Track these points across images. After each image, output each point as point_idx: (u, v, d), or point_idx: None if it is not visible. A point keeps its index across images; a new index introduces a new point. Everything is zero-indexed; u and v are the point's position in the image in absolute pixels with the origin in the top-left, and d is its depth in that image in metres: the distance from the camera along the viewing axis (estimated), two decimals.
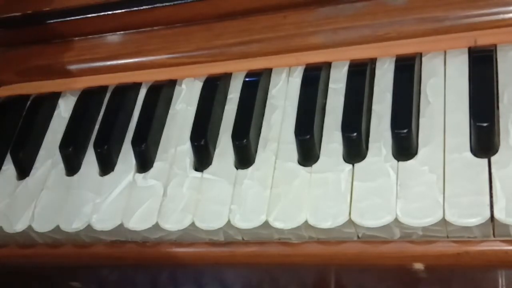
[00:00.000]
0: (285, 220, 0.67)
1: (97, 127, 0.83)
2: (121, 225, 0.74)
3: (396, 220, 0.63)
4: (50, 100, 0.89)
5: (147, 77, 0.85)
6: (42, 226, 0.77)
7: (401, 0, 0.74)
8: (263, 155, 0.73)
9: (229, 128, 0.75)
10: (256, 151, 0.73)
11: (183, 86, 0.83)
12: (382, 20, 0.74)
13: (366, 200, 0.65)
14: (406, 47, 0.74)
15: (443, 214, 0.61)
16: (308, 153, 0.70)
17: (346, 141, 0.68)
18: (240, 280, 0.84)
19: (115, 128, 0.81)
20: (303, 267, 0.73)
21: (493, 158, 0.63)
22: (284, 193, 0.69)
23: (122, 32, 0.87)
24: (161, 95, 0.82)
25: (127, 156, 0.79)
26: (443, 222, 0.62)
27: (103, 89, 0.87)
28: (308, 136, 0.70)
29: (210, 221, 0.70)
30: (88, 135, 0.83)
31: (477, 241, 0.63)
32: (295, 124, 0.72)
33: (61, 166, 0.81)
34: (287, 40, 0.78)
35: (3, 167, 0.85)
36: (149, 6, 0.83)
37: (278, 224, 0.67)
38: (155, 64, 0.85)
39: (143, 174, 0.77)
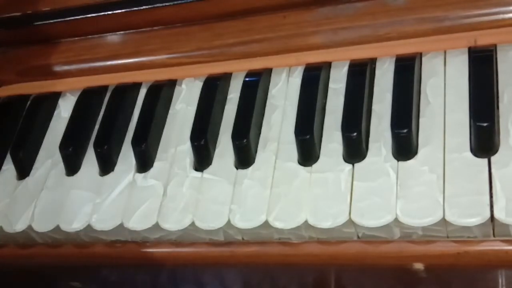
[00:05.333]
0: (285, 220, 0.67)
1: (97, 127, 0.83)
2: (121, 225, 0.73)
3: (396, 220, 0.63)
4: (50, 100, 0.89)
5: (147, 77, 0.85)
6: (42, 226, 0.77)
7: (401, 0, 0.74)
8: (263, 155, 0.73)
9: (229, 128, 0.75)
10: (256, 151, 0.73)
11: (183, 86, 0.83)
12: (382, 20, 0.74)
13: (366, 200, 0.65)
14: (406, 47, 0.74)
15: (443, 214, 0.61)
16: (308, 153, 0.70)
17: (346, 141, 0.68)
18: (240, 280, 0.84)
19: (115, 128, 0.81)
20: (303, 267, 0.73)
21: (493, 158, 0.63)
22: (284, 193, 0.69)
23: (122, 32, 0.87)
24: (161, 95, 0.82)
25: (127, 156, 0.79)
26: (443, 222, 0.62)
27: (103, 89, 0.87)
28: (308, 136, 0.70)
29: (210, 221, 0.70)
30: (88, 135, 0.83)
31: (477, 241, 0.63)
32: (295, 124, 0.72)
33: (61, 166, 0.81)
34: (287, 40, 0.78)
35: (3, 167, 0.85)
36: (149, 6, 0.83)
37: (278, 224, 0.67)
38: (155, 64, 0.85)
39: (143, 174, 0.77)
